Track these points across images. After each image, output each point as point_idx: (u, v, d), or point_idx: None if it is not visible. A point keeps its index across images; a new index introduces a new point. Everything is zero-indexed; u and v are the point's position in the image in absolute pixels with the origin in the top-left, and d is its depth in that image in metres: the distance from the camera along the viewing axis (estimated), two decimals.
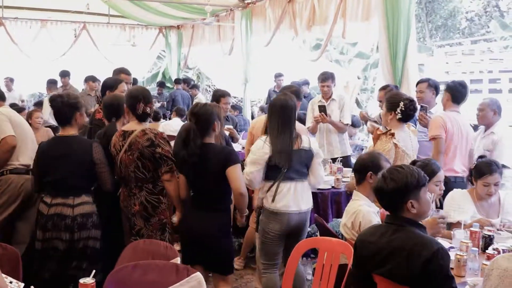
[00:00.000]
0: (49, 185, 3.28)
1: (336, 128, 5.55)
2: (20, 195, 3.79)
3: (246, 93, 9.55)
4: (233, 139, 5.31)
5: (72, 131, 3.33)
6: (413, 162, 3.26)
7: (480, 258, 2.77)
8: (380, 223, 2.89)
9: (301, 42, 9.66)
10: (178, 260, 2.62)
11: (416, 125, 4.67)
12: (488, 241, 3.00)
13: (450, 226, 3.37)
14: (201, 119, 3.16)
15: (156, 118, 7.42)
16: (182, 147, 3.13)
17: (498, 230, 3.26)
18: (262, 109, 8.43)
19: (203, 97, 10.68)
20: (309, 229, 3.70)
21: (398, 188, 2.33)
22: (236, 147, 5.72)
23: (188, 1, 9.48)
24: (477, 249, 2.86)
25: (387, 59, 5.46)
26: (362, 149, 6.90)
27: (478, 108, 4.55)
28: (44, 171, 3.32)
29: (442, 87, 4.98)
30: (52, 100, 3.34)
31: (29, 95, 12.77)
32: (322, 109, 5.42)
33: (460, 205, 3.44)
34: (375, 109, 5.78)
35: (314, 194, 3.96)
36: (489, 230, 3.06)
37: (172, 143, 3.39)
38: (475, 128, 4.70)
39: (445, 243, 2.83)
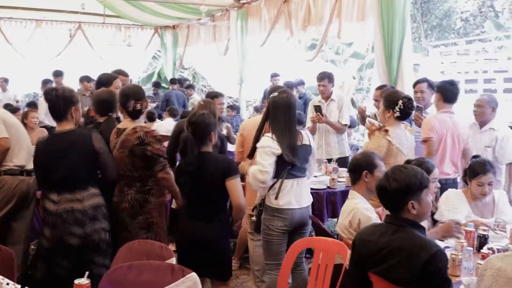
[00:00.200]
0: (54, 182, 3.21)
1: (334, 128, 5.56)
2: (15, 196, 3.76)
3: (242, 93, 9.56)
4: (230, 139, 5.29)
5: (68, 126, 3.25)
6: (407, 162, 3.27)
7: (475, 257, 2.78)
8: (379, 221, 2.91)
9: (296, 42, 9.69)
10: (173, 260, 2.61)
11: (411, 125, 4.68)
12: (483, 240, 3.01)
13: None
14: (198, 129, 3.17)
15: (151, 119, 7.39)
16: (180, 156, 3.14)
17: (492, 229, 3.27)
18: (256, 109, 8.40)
19: (198, 97, 10.66)
20: None
21: (400, 188, 2.33)
22: (232, 148, 5.69)
23: (183, 1, 9.47)
24: (472, 248, 2.87)
25: (382, 59, 5.47)
26: (358, 149, 6.91)
27: (476, 104, 4.53)
28: (46, 169, 3.25)
29: None
30: (46, 93, 3.29)
31: (24, 95, 12.72)
32: (318, 109, 5.43)
33: (455, 205, 3.45)
34: (370, 108, 5.79)
35: None
36: (484, 230, 3.08)
37: (166, 143, 3.39)
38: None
39: (440, 242, 2.85)
